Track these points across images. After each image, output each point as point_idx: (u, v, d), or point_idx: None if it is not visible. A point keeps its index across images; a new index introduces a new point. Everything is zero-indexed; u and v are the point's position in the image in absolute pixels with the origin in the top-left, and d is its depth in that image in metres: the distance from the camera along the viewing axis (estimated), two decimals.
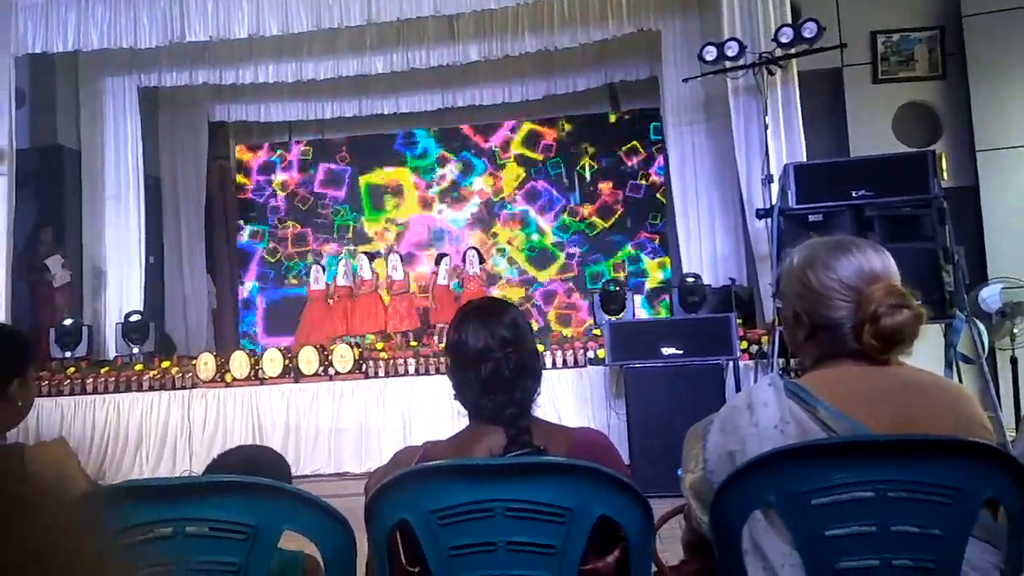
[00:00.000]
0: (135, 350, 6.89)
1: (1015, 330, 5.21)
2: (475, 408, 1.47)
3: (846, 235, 1.41)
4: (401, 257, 8.43)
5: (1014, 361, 5.22)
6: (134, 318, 7.04)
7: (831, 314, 1.31)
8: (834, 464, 1.18)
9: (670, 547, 1.62)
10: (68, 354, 6.72)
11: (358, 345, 6.53)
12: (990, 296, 5.20)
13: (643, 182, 9.25)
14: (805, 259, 1.36)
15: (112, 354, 7.18)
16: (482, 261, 8.19)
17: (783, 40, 5.59)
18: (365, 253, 8.61)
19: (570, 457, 1.35)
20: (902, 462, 1.16)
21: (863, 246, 1.34)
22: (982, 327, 4.69)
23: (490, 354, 1.44)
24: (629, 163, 9.31)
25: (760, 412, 1.28)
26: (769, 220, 5.13)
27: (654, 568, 1.47)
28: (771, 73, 5.80)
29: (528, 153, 9.55)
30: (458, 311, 1.55)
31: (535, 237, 9.46)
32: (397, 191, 9.78)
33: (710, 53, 5.79)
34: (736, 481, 1.21)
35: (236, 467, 1.60)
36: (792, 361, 4.64)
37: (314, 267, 8.52)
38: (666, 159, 7.60)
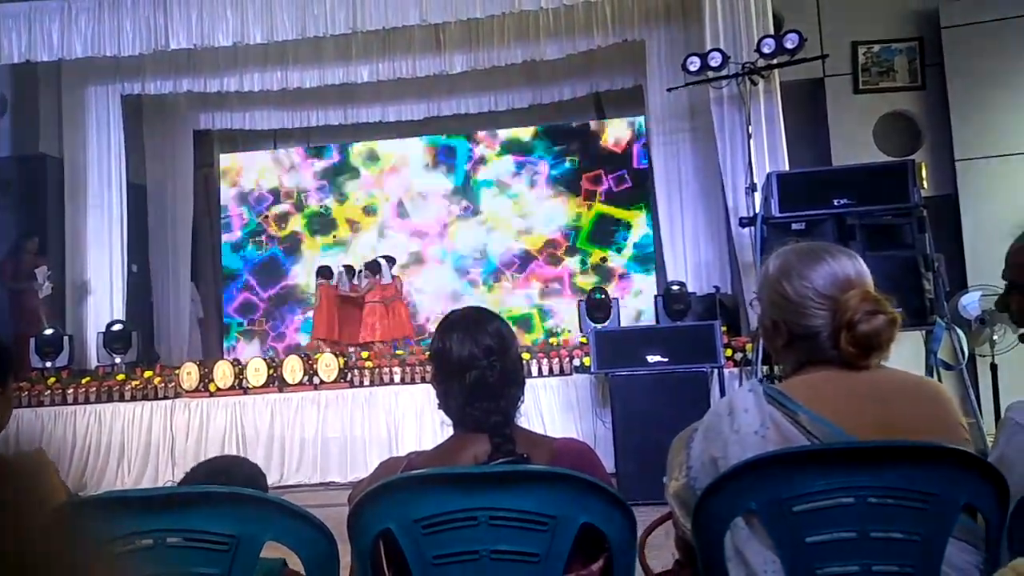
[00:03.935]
0: (117, 360, 6.82)
1: (994, 337, 5.26)
2: (459, 417, 1.47)
3: (819, 241, 1.42)
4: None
5: (994, 368, 5.27)
6: (116, 327, 6.97)
7: (808, 323, 1.32)
8: (814, 471, 1.19)
9: (658, 555, 1.62)
10: (49, 364, 6.64)
11: (342, 354, 6.51)
12: (970, 303, 5.26)
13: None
14: (779, 268, 1.37)
15: (94, 364, 7.11)
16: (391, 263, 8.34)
17: (765, 51, 5.66)
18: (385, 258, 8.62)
19: (553, 466, 1.36)
20: (880, 468, 1.18)
21: (836, 253, 1.35)
22: (962, 334, 4.74)
23: (475, 363, 1.45)
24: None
25: (741, 418, 1.29)
26: (753, 228, 5.18)
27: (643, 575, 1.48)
28: (754, 83, 5.87)
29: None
30: (442, 320, 1.56)
31: None
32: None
33: (693, 63, 5.85)
34: (717, 488, 1.22)
35: (211, 478, 1.59)
36: (776, 368, 4.67)
37: (338, 271, 8.50)
38: (651, 167, 7.66)
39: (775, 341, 1.39)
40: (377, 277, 8.14)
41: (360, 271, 8.46)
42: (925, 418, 1.27)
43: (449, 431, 1.51)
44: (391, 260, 8.43)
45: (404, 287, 8.57)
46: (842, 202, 4.64)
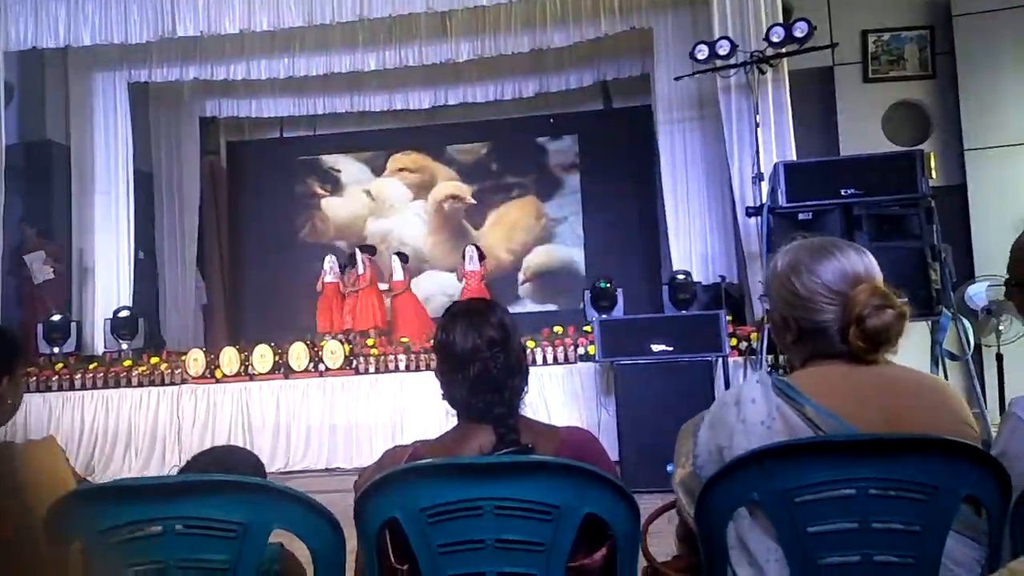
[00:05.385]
0: (124, 346, 6.87)
1: (1000, 327, 5.25)
2: (464, 407, 1.48)
3: (828, 237, 1.42)
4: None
5: (999, 358, 5.27)
6: (123, 314, 7.01)
7: (817, 318, 1.33)
8: (817, 462, 1.20)
9: (659, 542, 1.63)
10: (56, 350, 6.69)
11: (348, 341, 6.53)
12: (976, 294, 5.25)
13: None
14: (789, 264, 1.37)
15: (101, 350, 7.15)
16: (482, 257, 8.26)
17: (774, 39, 5.62)
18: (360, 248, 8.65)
19: (558, 456, 1.37)
20: (882, 460, 1.18)
21: (845, 248, 1.36)
22: (968, 324, 4.74)
23: (478, 354, 1.46)
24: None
25: (748, 408, 1.30)
26: (759, 218, 5.16)
27: (645, 563, 1.49)
28: (762, 72, 5.83)
29: None
30: (445, 312, 1.57)
31: None
32: None
33: (701, 52, 5.82)
34: (721, 479, 1.23)
35: (211, 468, 1.60)
36: (781, 358, 4.67)
37: (328, 258, 8.51)
38: (657, 156, 7.63)
39: (784, 336, 1.40)
40: (355, 268, 8.23)
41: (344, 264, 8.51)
42: (932, 415, 1.27)
43: (454, 421, 1.52)
44: (368, 249, 8.45)
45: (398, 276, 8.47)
46: (849, 192, 4.61)
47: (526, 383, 1.51)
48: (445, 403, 1.52)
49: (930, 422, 1.26)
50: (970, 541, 1.21)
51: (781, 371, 4.24)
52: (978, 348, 5.44)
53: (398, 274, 8.27)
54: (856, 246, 1.38)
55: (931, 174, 4.72)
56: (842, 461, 1.19)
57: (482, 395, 1.45)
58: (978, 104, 6.54)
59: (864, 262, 1.35)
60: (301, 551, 1.37)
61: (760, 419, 1.28)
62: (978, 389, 4.63)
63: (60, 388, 6.31)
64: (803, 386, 1.30)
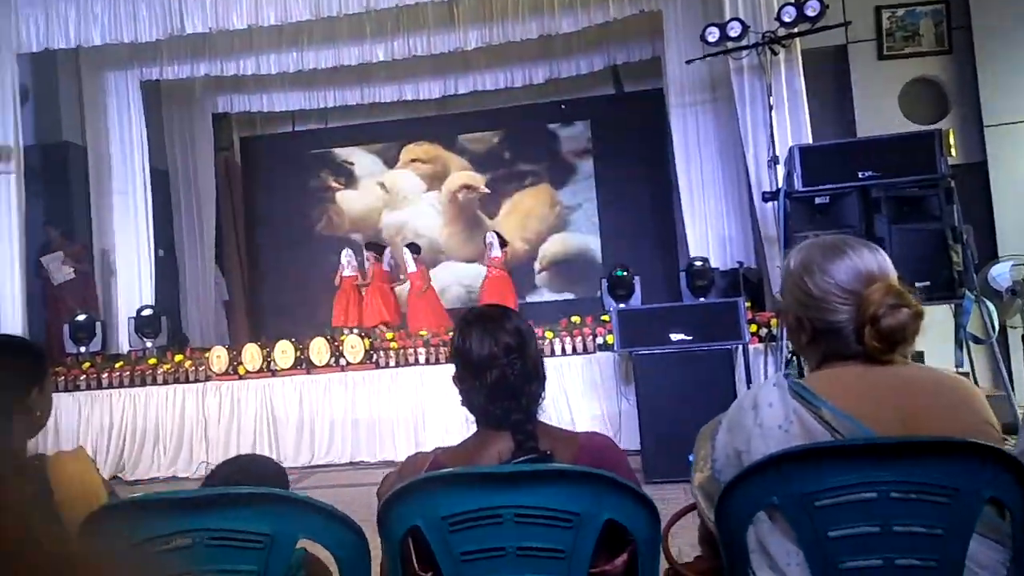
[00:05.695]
0: (148, 344, 6.96)
1: None
2: (482, 414, 1.49)
3: (841, 235, 1.41)
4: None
5: None
6: (146, 312, 7.10)
7: (831, 318, 1.32)
8: (837, 466, 1.20)
9: (684, 535, 1.64)
10: (83, 349, 6.79)
11: (368, 336, 6.57)
12: (1000, 274, 5.18)
13: None
14: (801, 264, 1.36)
15: (125, 348, 7.25)
16: (503, 244, 8.24)
17: (786, 19, 5.54)
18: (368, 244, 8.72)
19: (576, 462, 1.38)
20: (903, 463, 1.18)
21: (857, 246, 1.34)
22: (991, 306, 4.67)
23: (495, 361, 1.46)
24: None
25: (765, 412, 1.30)
26: (776, 203, 5.11)
27: (666, 565, 1.50)
28: (775, 53, 5.75)
29: None
30: (461, 318, 1.58)
31: None
32: None
33: (712, 34, 5.74)
34: (740, 484, 1.23)
35: (234, 477, 1.63)
36: None
37: (345, 252, 8.55)
38: (670, 141, 7.57)
39: (799, 337, 1.39)
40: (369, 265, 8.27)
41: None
42: (951, 414, 1.26)
43: (473, 427, 1.53)
44: (373, 248, 8.48)
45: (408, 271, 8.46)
46: (867, 174, 4.54)
47: (543, 389, 1.52)
48: (464, 409, 1.54)
49: (949, 422, 1.24)
50: (994, 543, 1.20)
51: (803, 359, 4.21)
52: (1003, 330, 5.37)
53: (411, 266, 8.27)
54: (869, 244, 1.36)
55: (950, 152, 4.65)
56: (862, 464, 1.19)
57: (500, 402, 1.46)
58: (996, 79, 6.41)
59: (878, 260, 1.33)
60: (326, 552, 1.40)
61: (777, 423, 1.28)
62: (1004, 372, 4.57)
63: (88, 387, 6.42)
64: (819, 388, 1.29)
